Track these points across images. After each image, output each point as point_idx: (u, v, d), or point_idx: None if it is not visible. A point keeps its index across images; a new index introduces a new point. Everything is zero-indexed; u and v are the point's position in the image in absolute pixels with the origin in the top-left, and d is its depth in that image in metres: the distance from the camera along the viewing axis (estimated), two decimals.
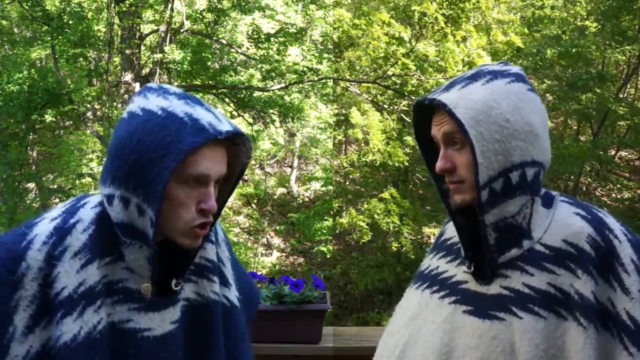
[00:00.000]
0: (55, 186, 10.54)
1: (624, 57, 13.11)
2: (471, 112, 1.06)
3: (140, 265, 1.07)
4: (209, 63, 10.75)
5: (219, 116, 1.07)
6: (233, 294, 1.26)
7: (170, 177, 1.00)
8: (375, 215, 9.94)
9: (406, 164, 10.35)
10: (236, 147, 1.13)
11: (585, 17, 12.46)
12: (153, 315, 1.09)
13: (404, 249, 10.10)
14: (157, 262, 1.07)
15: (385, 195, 10.11)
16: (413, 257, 9.94)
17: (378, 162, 10.83)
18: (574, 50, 11.06)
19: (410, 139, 10.75)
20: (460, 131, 1.07)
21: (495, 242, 1.09)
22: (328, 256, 11.24)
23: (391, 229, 10.02)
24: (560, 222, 1.10)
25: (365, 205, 10.44)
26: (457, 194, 1.15)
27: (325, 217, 11.29)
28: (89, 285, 1.01)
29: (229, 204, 8.98)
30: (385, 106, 11.29)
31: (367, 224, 10.08)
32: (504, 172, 1.06)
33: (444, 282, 1.20)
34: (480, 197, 1.07)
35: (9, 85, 8.88)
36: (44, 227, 1.03)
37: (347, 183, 13.23)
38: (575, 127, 13.89)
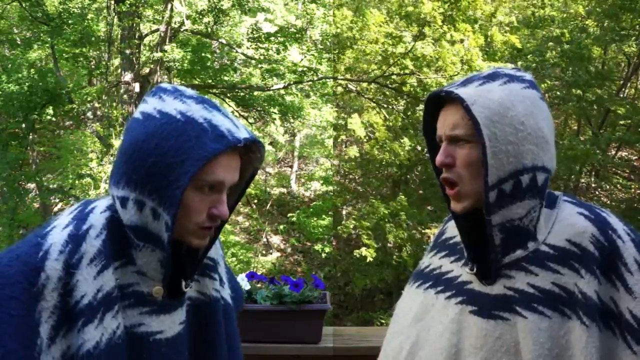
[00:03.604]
0: (55, 186, 10.51)
1: (624, 57, 13.10)
2: (487, 112, 1.06)
3: (152, 268, 1.07)
4: (209, 63, 10.74)
5: (236, 122, 1.08)
6: (227, 292, 1.27)
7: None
8: (380, 222, 9.92)
9: (405, 162, 10.30)
10: (251, 153, 1.13)
11: (585, 16, 12.45)
12: (164, 317, 1.10)
13: (404, 257, 10.10)
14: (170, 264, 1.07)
15: (394, 204, 10.05)
16: (412, 260, 9.93)
17: (378, 162, 10.80)
18: (574, 50, 11.04)
19: (407, 141, 10.73)
20: (474, 129, 1.07)
21: (500, 242, 1.09)
22: (323, 256, 11.22)
23: (392, 239, 10.01)
24: (564, 222, 1.11)
25: (368, 208, 10.40)
26: (456, 203, 1.14)
27: (323, 216, 11.27)
28: (106, 291, 1.01)
29: None
30: (385, 105, 11.27)
31: (369, 229, 10.06)
32: (514, 174, 1.06)
33: (449, 282, 1.20)
34: (488, 197, 1.06)
35: (9, 85, 8.87)
36: (58, 235, 1.02)
37: (347, 182, 13.21)
38: (575, 127, 13.88)
